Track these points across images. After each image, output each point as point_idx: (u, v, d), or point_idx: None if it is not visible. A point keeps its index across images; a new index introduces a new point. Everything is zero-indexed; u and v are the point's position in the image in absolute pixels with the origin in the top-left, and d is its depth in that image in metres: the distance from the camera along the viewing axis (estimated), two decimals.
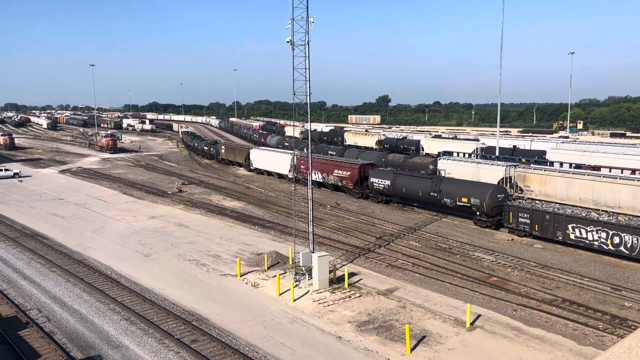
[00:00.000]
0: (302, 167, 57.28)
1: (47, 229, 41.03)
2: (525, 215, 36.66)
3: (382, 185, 48.47)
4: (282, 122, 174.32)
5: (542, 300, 26.00)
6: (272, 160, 66.95)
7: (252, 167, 72.13)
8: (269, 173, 68.60)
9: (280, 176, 65.64)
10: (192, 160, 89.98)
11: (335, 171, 54.14)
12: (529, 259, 32.66)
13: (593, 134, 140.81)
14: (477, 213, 40.16)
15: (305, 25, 26.37)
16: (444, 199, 42.45)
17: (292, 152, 60.28)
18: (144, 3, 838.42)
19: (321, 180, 56.93)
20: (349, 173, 52.45)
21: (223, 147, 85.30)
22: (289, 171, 61.53)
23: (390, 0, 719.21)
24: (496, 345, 21.29)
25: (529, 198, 42.85)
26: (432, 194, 43.40)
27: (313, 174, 55.94)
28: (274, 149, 76.00)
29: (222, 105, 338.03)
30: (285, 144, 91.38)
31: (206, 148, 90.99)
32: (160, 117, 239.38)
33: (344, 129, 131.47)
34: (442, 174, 52.74)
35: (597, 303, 25.65)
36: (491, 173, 46.50)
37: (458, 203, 41.26)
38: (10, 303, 25.48)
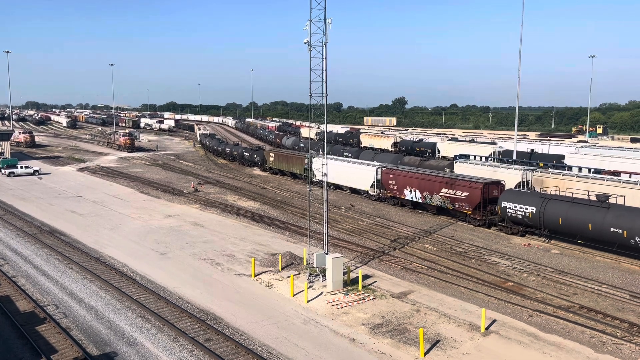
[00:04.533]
0: (390, 182, 49.37)
1: (65, 226, 41.60)
2: None
3: (522, 213, 37.37)
4: (297, 123, 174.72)
5: (558, 306, 25.66)
6: (346, 173, 56.40)
7: (314, 179, 63.84)
8: (339, 187, 58.44)
9: (355, 191, 56.06)
10: (209, 160, 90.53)
11: (444, 190, 43.51)
12: (545, 265, 32.27)
13: (613, 138, 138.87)
14: None
15: (323, 27, 26.39)
16: (636, 239, 30.57)
17: (376, 164, 54.24)
18: (162, 3, 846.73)
19: (419, 201, 46.62)
20: (465, 194, 41.61)
21: (272, 154, 72.11)
22: (371, 187, 52.68)
23: (408, 2, 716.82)
24: (511, 351, 21.05)
25: None
26: (613, 230, 31.60)
27: (408, 192, 47.44)
28: (348, 159, 62.74)
29: (239, 105, 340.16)
30: (301, 145, 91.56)
31: (247, 154, 79.11)
32: (178, 116, 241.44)
33: (360, 130, 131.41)
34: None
35: (615, 310, 25.24)
36: (508, 177, 46.01)
37: None
38: (29, 298, 25.87)
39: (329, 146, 77.94)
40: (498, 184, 42.17)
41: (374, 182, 52.08)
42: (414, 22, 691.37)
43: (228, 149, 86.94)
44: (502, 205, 38.89)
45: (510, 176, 46.47)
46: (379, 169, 51.73)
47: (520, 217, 37.64)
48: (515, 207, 37.94)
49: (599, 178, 42.13)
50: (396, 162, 62.44)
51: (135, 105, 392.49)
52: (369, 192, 53.02)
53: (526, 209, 37.16)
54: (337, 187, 58.50)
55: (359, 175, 54.31)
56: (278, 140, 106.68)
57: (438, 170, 51.28)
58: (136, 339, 21.67)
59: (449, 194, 43.06)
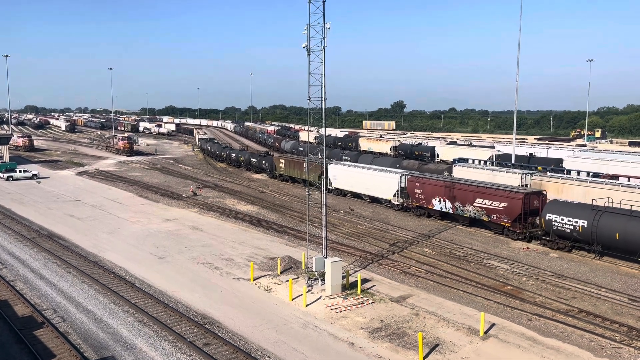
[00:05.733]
0: (416, 191, 46.17)
1: (63, 230, 41.53)
2: None
3: (570, 227, 34.15)
4: (296, 126, 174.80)
5: (557, 310, 25.65)
6: (365, 180, 53.63)
7: (330, 187, 57.43)
8: (357, 195, 55.63)
9: (375, 200, 53.30)
10: (207, 164, 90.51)
11: (478, 200, 40.49)
12: (544, 268, 32.27)
13: (611, 142, 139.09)
14: None
15: (322, 31, 26.45)
16: None
17: (400, 171, 51.13)
18: (162, 7, 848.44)
19: (449, 211, 43.53)
20: (504, 204, 38.62)
21: (282, 160, 68.56)
22: (394, 196, 49.71)
23: (406, 6, 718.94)
24: (510, 355, 21.02)
25: None
26: None
27: (436, 202, 44.41)
28: (368, 166, 58.68)
29: (238, 109, 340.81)
30: (300, 148, 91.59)
31: (255, 160, 75.89)
32: (177, 120, 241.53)
33: (359, 134, 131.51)
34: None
35: (614, 314, 25.24)
36: (507, 181, 46.06)
37: None
38: (27, 303, 25.81)
39: (327, 150, 77.41)
40: (539, 194, 39.10)
41: (397, 190, 49.16)
42: (413, 25, 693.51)
43: (234, 155, 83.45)
44: (547, 217, 35.56)
45: (509, 180, 46.55)
46: (404, 177, 48.75)
47: (569, 231, 34.27)
48: (562, 220, 34.64)
49: (597, 182, 42.18)
50: (395, 166, 62.48)
51: (134, 109, 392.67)
52: (392, 201, 50.01)
53: (576, 222, 33.83)
54: (356, 195, 55.77)
55: (381, 183, 51.41)
56: (277, 144, 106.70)
57: (475, 180, 45.66)
58: (134, 344, 21.61)
59: (485, 204, 40.01)
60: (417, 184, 46.41)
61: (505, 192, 39.11)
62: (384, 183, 51.08)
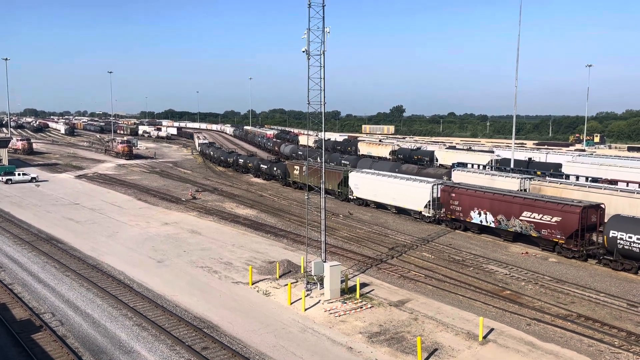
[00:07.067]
0: (452, 202, 42.70)
1: (62, 233, 41.48)
2: None
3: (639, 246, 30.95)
4: (296, 130, 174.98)
5: (556, 315, 25.64)
6: (392, 190, 49.36)
7: (351, 197, 54.79)
8: (382, 206, 51.64)
9: (402, 211, 49.08)
10: (206, 167, 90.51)
11: (526, 213, 36.95)
12: (543, 273, 32.27)
13: (610, 147, 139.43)
14: None
15: (321, 35, 26.52)
16: None
17: (431, 180, 47.30)
18: (161, 11, 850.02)
19: (492, 225, 39.83)
20: (557, 219, 35.09)
21: (297, 167, 64.41)
22: (425, 207, 45.66)
23: (406, 10, 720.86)
24: (509, 359, 21.00)
25: None
26: None
27: (476, 214, 40.83)
28: (394, 174, 53.83)
29: (237, 113, 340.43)
30: (299, 152, 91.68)
31: (265, 167, 71.84)
32: (176, 124, 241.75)
33: (358, 138, 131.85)
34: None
35: (613, 319, 25.23)
36: (506, 185, 46.12)
37: None
38: (25, 306, 25.76)
39: (327, 154, 77.35)
40: (597, 207, 35.24)
41: (429, 201, 45.13)
42: (412, 30, 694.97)
43: (241, 160, 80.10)
44: (611, 235, 32.02)
45: (508, 184, 46.61)
46: (436, 186, 44.93)
47: (638, 250, 31.00)
48: (629, 238, 31.06)
49: (596, 186, 42.24)
50: (394, 170, 62.45)
51: (133, 113, 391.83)
52: (423, 212, 45.83)
53: None
54: (380, 206, 51.90)
55: (410, 193, 47.07)
56: (276, 148, 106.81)
57: (518, 191, 42.28)
58: (133, 347, 21.57)
59: (534, 218, 36.49)
60: (453, 195, 42.73)
61: (559, 204, 35.59)
62: (414, 193, 46.74)
